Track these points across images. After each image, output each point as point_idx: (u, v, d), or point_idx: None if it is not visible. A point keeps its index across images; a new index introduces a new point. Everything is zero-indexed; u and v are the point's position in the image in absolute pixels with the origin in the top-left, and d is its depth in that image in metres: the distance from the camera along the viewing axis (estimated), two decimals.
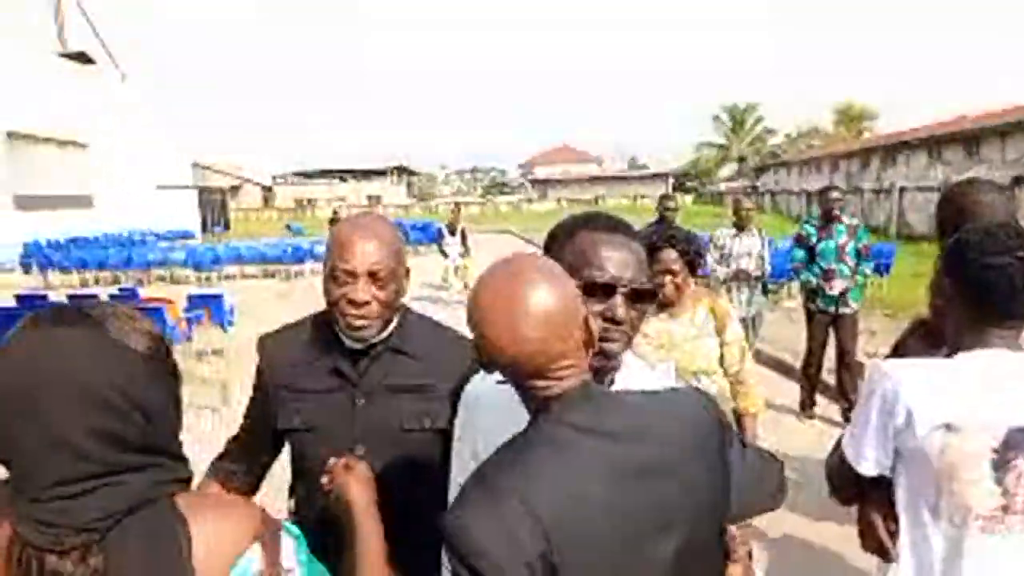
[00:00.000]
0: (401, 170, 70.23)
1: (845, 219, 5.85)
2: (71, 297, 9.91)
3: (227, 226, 37.11)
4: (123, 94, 28.22)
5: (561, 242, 1.35)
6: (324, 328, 1.68)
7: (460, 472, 1.47)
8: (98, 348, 0.94)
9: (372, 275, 1.55)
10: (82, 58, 26.52)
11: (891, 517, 1.61)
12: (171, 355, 1.05)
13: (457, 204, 14.90)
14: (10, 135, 21.53)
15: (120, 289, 12.52)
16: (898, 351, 1.99)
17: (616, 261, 1.30)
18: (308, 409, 1.63)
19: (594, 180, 67.88)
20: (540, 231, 28.18)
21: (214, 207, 37.29)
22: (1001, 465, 1.45)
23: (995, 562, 1.46)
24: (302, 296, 13.11)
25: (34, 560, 0.90)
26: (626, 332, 1.29)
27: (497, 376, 1.35)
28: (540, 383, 1.07)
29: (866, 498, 1.68)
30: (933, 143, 21.42)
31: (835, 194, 5.87)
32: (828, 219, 5.84)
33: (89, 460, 0.90)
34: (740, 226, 6.43)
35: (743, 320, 5.65)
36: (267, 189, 63.92)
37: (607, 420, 1.06)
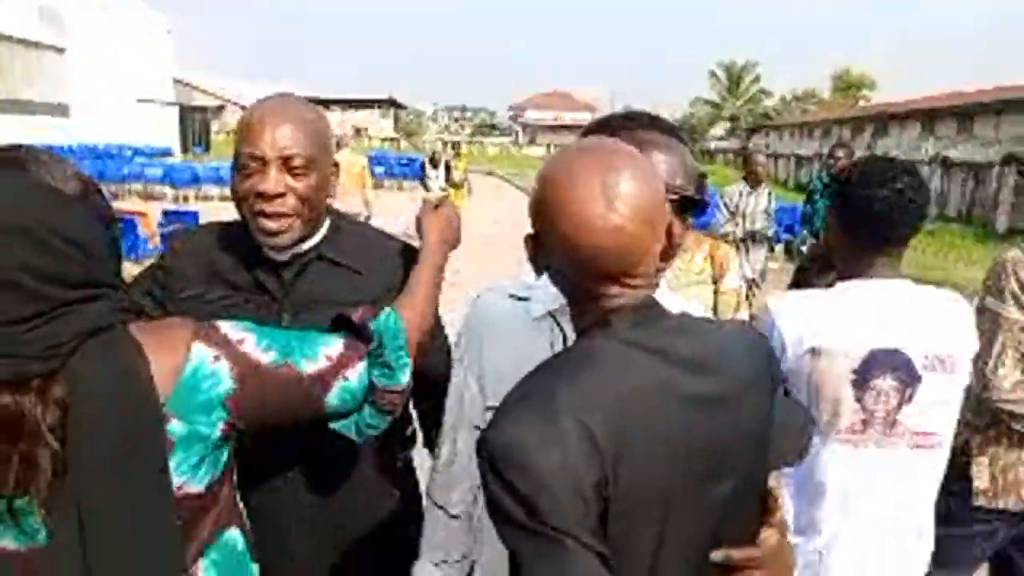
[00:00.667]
0: (389, 103, 68.88)
1: None
2: None
3: (208, 147, 36.23)
4: (109, 1, 27.08)
5: None
6: (244, 235, 1.43)
7: (458, 402, 1.36)
8: (28, 190, 0.95)
9: (286, 162, 1.32)
10: None
11: None
12: (103, 198, 1.06)
13: (456, 144, 15.07)
14: None
15: None
16: (797, 283, 2.20)
17: (664, 166, 1.15)
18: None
19: (583, 128, 67.18)
20: (527, 176, 27.94)
21: (195, 126, 36.33)
22: (860, 384, 1.59)
23: (855, 472, 1.63)
24: None
25: None
26: (672, 247, 1.14)
27: (514, 292, 1.30)
28: (612, 289, 0.93)
29: None
30: (927, 116, 21.32)
31: (840, 152, 5.81)
32: (833, 177, 5.80)
33: (38, 299, 0.92)
34: (754, 183, 5.93)
35: (752, 280, 5.53)
36: None
37: (672, 343, 0.93)
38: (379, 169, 20.73)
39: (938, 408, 1.61)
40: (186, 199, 17.49)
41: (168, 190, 17.86)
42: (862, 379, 1.59)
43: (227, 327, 1.08)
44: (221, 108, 54.38)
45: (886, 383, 1.58)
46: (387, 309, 1.23)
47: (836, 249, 1.74)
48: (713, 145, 46.85)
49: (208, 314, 1.24)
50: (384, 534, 1.56)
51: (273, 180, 1.31)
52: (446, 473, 1.39)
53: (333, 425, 1.21)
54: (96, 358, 0.96)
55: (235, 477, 1.19)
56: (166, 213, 9.56)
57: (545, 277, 1.22)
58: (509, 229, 13.15)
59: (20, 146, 1.07)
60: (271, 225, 1.34)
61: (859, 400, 1.60)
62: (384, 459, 1.57)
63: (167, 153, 27.57)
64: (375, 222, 3.25)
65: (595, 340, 0.94)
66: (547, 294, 1.23)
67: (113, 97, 26.44)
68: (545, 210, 0.93)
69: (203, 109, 39.88)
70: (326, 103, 67.73)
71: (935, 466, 1.65)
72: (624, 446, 0.85)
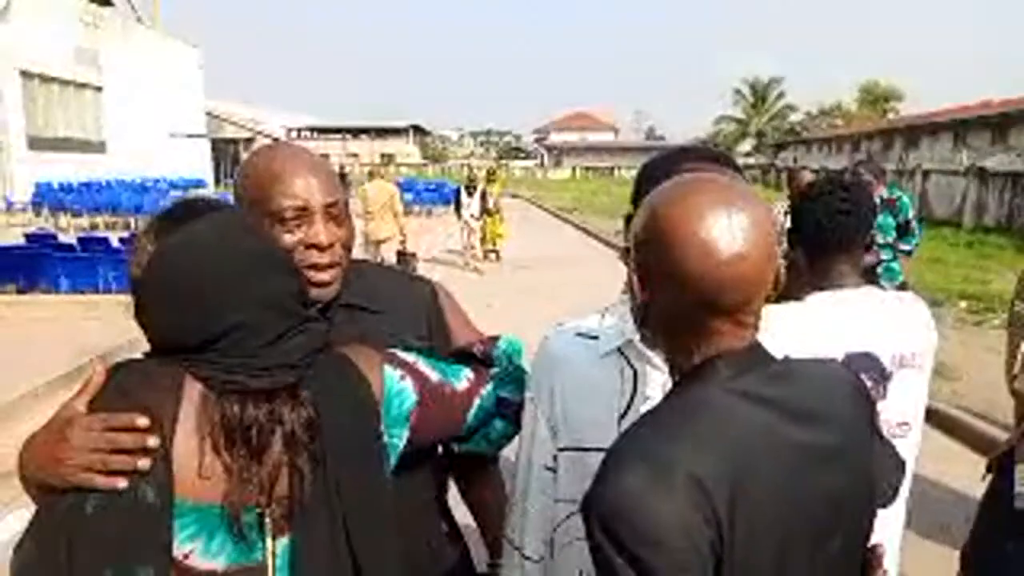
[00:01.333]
0: (416, 130, 69.63)
1: (883, 193, 5.52)
2: (80, 239, 9.82)
3: None
4: (139, 38, 27.88)
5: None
6: None
7: (530, 440, 1.34)
8: (252, 227, 1.07)
9: (328, 210, 1.26)
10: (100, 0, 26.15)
11: None
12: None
13: (491, 171, 14.29)
14: (24, 74, 21.31)
15: (131, 234, 12.46)
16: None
17: None
18: None
19: (610, 149, 67.17)
20: (550, 200, 27.70)
21: (227, 158, 37.08)
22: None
23: None
24: None
25: (236, 408, 0.98)
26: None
27: (583, 331, 1.30)
28: (725, 326, 0.88)
29: None
30: (959, 127, 20.98)
31: (863, 169, 5.67)
32: None
33: (291, 315, 1.03)
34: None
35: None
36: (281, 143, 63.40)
37: (781, 392, 0.89)
38: (408, 196, 20.90)
39: (908, 399, 1.72)
40: None
41: None
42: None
43: (398, 350, 1.21)
44: (251, 140, 55.40)
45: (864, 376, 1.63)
46: (505, 335, 1.39)
47: (797, 268, 1.84)
48: (740, 162, 46.47)
49: None
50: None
51: (324, 230, 1.25)
52: (520, 514, 1.36)
53: (465, 446, 1.36)
54: (332, 373, 1.07)
55: None
56: None
57: (612, 316, 1.28)
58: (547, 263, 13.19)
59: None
60: (324, 277, 1.27)
61: None
62: (422, 499, 1.53)
63: (200, 185, 28.11)
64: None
65: (702, 389, 0.89)
66: (615, 331, 1.24)
67: (148, 132, 27.10)
68: (662, 243, 0.87)
69: (234, 141, 40.68)
70: (355, 132, 68.81)
71: (910, 448, 1.73)
72: (737, 502, 0.80)
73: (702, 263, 0.85)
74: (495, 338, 1.39)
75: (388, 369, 1.15)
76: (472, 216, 12.78)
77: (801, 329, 1.64)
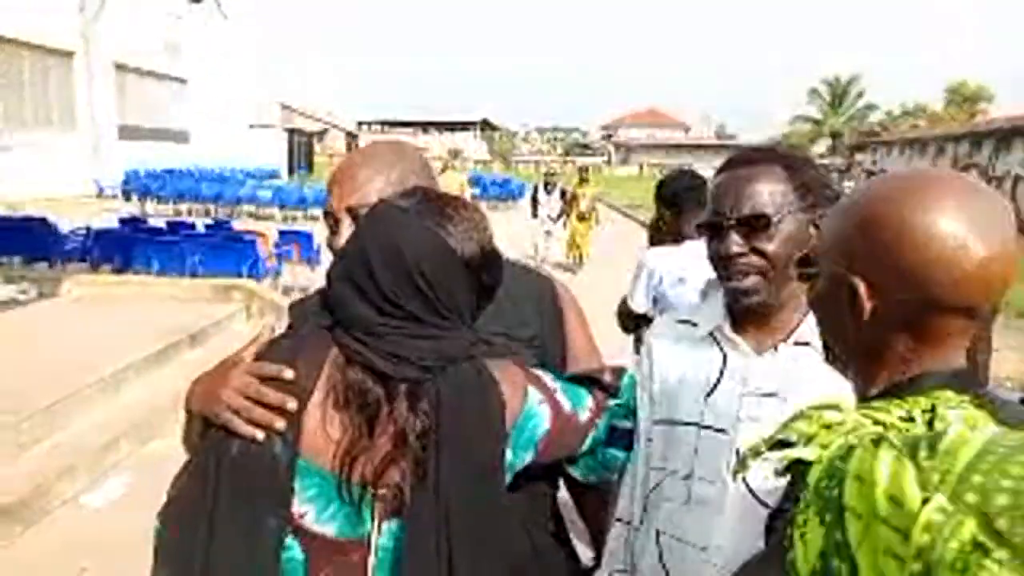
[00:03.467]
0: (483, 124, 69.99)
1: None
2: (169, 224, 10.24)
3: (311, 169, 37.80)
4: (223, 33, 28.82)
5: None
6: None
7: (644, 421, 1.47)
8: (428, 242, 1.08)
9: (352, 212, 1.34)
10: None
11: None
12: (488, 263, 1.15)
13: (584, 169, 12.18)
14: (118, 67, 22.30)
15: (215, 220, 12.91)
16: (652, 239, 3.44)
17: None
18: None
19: (679, 147, 66.18)
20: (617, 197, 27.23)
21: (301, 149, 38.00)
22: (703, 298, 2.25)
23: None
24: None
25: (359, 376, 1.05)
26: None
27: (683, 318, 1.45)
28: (958, 323, 0.79)
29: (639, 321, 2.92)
30: None
31: (970, 173, 5.54)
32: None
33: (408, 318, 1.06)
34: None
35: None
36: (352, 135, 64.83)
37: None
38: (475, 190, 21.06)
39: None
40: (294, 219, 18.25)
41: (277, 211, 18.68)
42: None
43: (542, 373, 1.23)
44: (324, 132, 56.69)
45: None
46: (626, 369, 1.41)
47: (668, 224, 2.91)
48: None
49: None
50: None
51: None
52: (622, 484, 1.51)
53: (576, 471, 1.36)
54: (468, 386, 1.09)
55: None
56: (282, 233, 9.95)
57: (708, 302, 1.43)
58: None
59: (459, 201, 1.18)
60: None
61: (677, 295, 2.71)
62: (532, 497, 1.51)
63: (275, 175, 28.91)
64: None
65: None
66: (712, 315, 1.38)
67: (227, 123, 28.02)
68: (891, 243, 0.79)
69: (307, 133, 41.70)
70: (424, 126, 69.61)
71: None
72: None
73: (942, 261, 0.77)
74: (622, 370, 1.40)
75: (532, 392, 1.17)
76: (549, 217, 11.25)
77: (681, 261, 2.66)
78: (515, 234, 12.07)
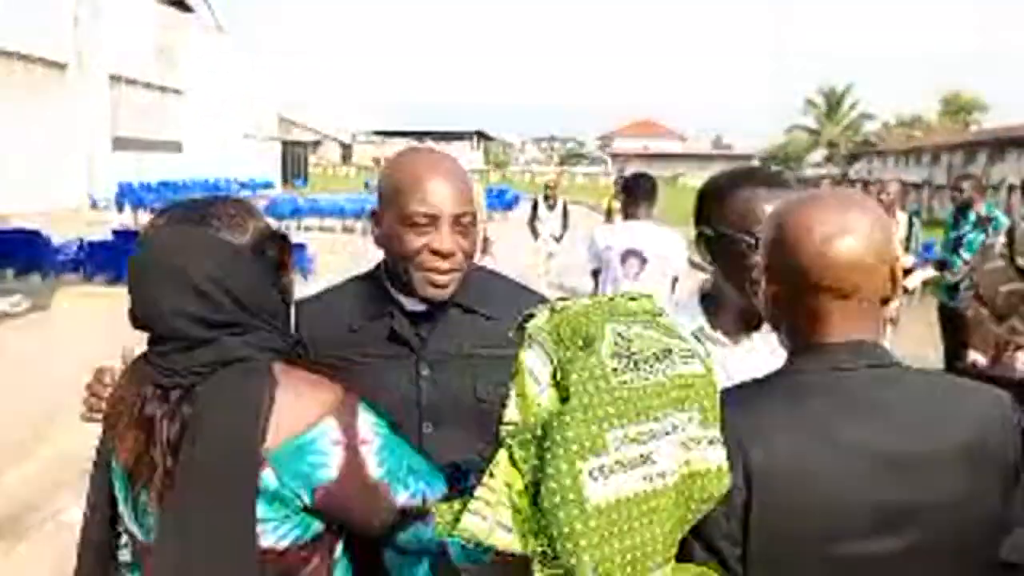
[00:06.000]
0: (478, 135, 70.27)
1: (981, 210, 5.55)
2: None
3: (306, 180, 37.83)
4: (218, 44, 28.87)
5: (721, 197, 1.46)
6: (372, 288, 1.44)
7: None
8: (201, 244, 1.09)
9: (457, 219, 1.33)
10: (181, 6, 27.18)
11: None
12: (278, 247, 1.17)
13: (551, 181, 10.48)
14: (112, 78, 22.29)
15: None
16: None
17: None
18: (363, 384, 1.26)
19: (676, 157, 66.47)
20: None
21: (295, 160, 38.05)
22: (625, 260, 4.10)
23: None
24: (381, 251, 13.12)
25: (146, 396, 1.10)
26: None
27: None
28: (828, 312, 1.00)
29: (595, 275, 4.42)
30: None
31: (965, 184, 5.67)
32: (958, 208, 5.64)
33: (179, 335, 1.08)
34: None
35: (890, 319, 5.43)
36: (346, 146, 65.00)
37: (873, 392, 0.96)
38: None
39: (655, 274, 4.06)
40: (288, 230, 18.19)
41: (272, 222, 18.51)
42: (623, 259, 4.10)
43: (366, 420, 1.12)
44: (318, 143, 56.78)
45: (634, 261, 4.10)
46: None
47: (623, 206, 4.37)
48: (810, 172, 45.41)
49: (344, 374, 1.26)
50: None
51: (448, 238, 1.32)
52: None
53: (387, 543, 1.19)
54: (225, 386, 1.06)
55: (337, 557, 1.19)
56: None
57: (681, 313, 1.49)
58: None
59: (217, 198, 1.18)
60: (441, 279, 1.34)
61: (623, 265, 4.12)
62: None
63: (269, 186, 28.92)
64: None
65: (785, 371, 1.03)
66: (688, 320, 1.44)
67: (221, 134, 28.03)
68: (782, 239, 1.04)
69: (302, 144, 41.74)
70: (419, 136, 69.78)
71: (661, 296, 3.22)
72: (778, 478, 0.91)
73: (809, 249, 0.99)
74: None
75: (328, 425, 1.07)
76: (552, 236, 9.57)
77: (611, 235, 4.30)
78: (512, 248, 10.90)
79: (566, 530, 0.68)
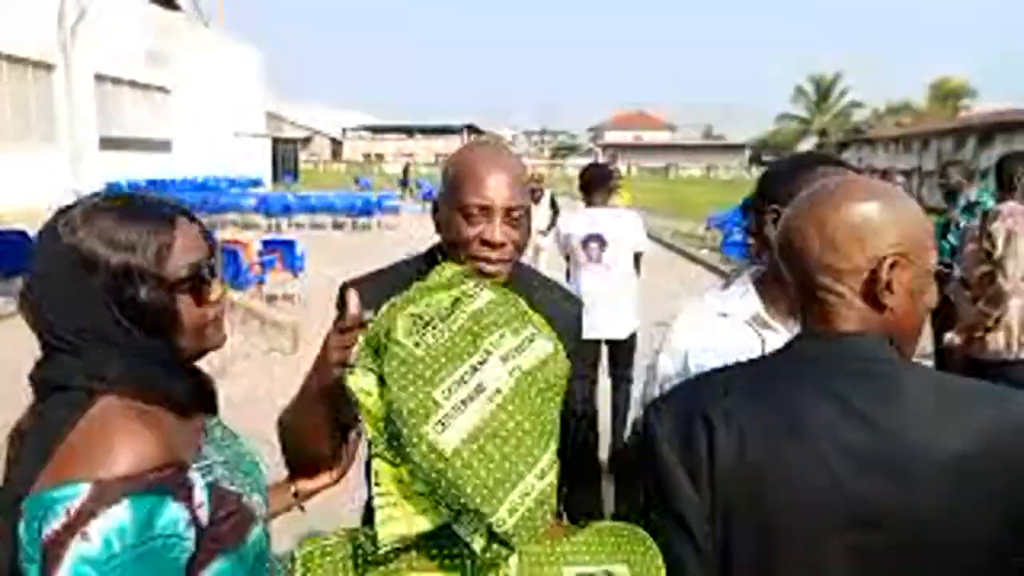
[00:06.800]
0: (470, 129, 70.09)
1: (971, 196, 5.51)
2: None
3: (296, 176, 37.66)
4: (205, 41, 28.66)
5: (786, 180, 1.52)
6: (418, 275, 1.44)
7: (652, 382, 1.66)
8: (48, 242, 1.01)
9: (508, 212, 1.40)
10: (169, 4, 26.96)
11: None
12: (127, 269, 1.00)
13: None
14: (98, 78, 22.11)
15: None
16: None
17: None
18: None
19: (667, 148, 66.41)
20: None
21: (285, 157, 37.87)
22: (586, 244, 4.50)
23: (591, 280, 4.47)
24: (371, 247, 13.16)
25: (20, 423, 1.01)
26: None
27: (715, 308, 1.60)
28: (820, 301, 1.01)
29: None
30: None
31: (953, 170, 5.66)
32: (946, 195, 5.64)
33: (48, 341, 1.01)
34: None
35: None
36: (336, 142, 64.71)
37: (848, 384, 0.95)
38: None
39: (618, 253, 4.50)
40: (279, 227, 18.13)
41: (262, 219, 18.55)
42: (584, 244, 4.50)
43: (120, 517, 0.88)
44: (308, 139, 56.55)
45: (594, 244, 4.46)
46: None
47: (587, 193, 4.69)
48: None
49: None
50: None
51: (500, 230, 1.40)
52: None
53: None
54: (44, 414, 0.97)
55: None
56: (264, 242, 9.85)
57: (737, 293, 1.61)
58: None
59: (119, 194, 1.09)
60: (491, 268, 1.42)
61: (585, 248, 4.49)
62: None
63: (257, 183, 28.75)
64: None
65: (774, 355, 1.06)
66: (746, 306, 1.55)
67: (211, 132, 27.84)
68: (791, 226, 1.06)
69: (292, 140, 41.55)
70: (410, 131, 69.58)
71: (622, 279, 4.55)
72: (742, 459, 0.94)
73: (808, 229, 1.01)
74: None
75: (70, 490, 0.88)
76: (539, 231, 9.31)
77: (579, 222, 4.65)
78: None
79: (445, 484, 0.75)
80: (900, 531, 0.90)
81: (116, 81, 23.20)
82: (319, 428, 1.28)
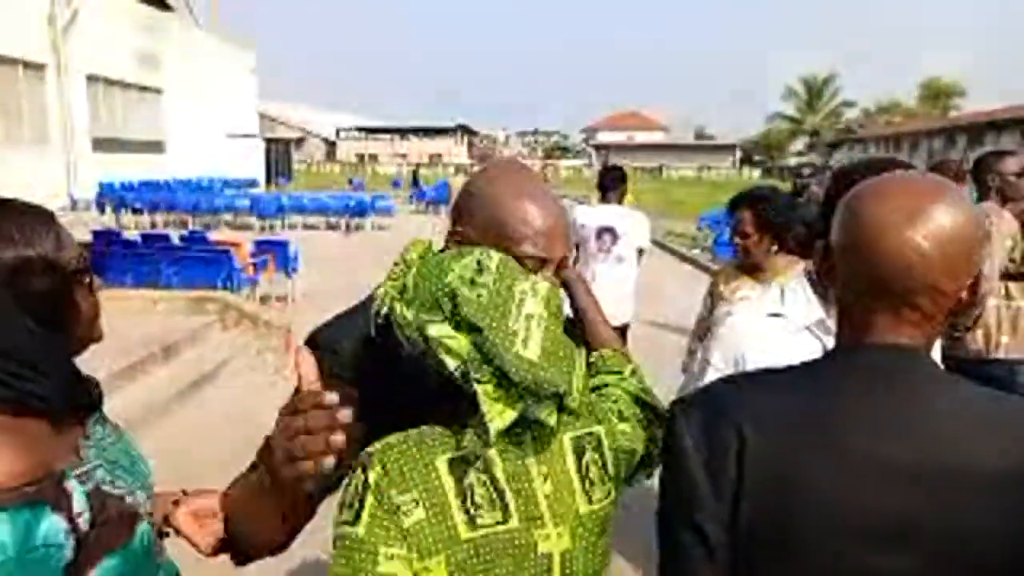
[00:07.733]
0: (462, 130, 69.98)
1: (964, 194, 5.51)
2: (143, 236, 10.12)
3: (290, 177, 37.59)
4: (198, 42, 28.60)
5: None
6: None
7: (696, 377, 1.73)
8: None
9: (559, 263, 1.26)
10: (161, 5, 26.89)
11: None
12: (49, 286, 1.02)
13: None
14: (90, 79, 22.05)
15: (190, 231, 12.77)
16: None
17: None
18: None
19: (659, 148, 66.47)
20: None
21: (279, 158, 37.78)
22: (600, 235, 4.90)
23: (603, 272, 4.87)
24: (365, 247, 13.19)
25: None
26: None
27: (769, 310, 1.61)
28: (876, 314, 0.95)
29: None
30: None
31: (943, 168, 5.64)
32: None
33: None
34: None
35: None
36: (330, 143, 64.58)
37: (881, 398, 0.91)
38: None
39: (627, 247, 4.91)
40: (272, 228, 18.11)
41: (255, 220, 18.53)
42: (598, 235, 4.87)
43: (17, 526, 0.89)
44: (302, 140, 56.41)
45: (607, 236, 4.88)
46: None
47: (604, 191, 5.07)
48: (793, 161, 45.60)
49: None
50: None
51: (544, 279, 1.24)
52: None
53: None
54: None
55: None
56: (257, 243, 9.85)
57: (792, 297, 1.60)
58: None
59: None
60: None
61: (598, 238, 4.88)
62: None
63: (253, 184, 28.70)
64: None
65: (812, 364, 1.01)
66: (808, 311, 1.54)
67: (204, 132, 27.78)
68: (846, 229, 0.99)
69: (286, 141, 41.46)
70: (403, 132, 69.42)
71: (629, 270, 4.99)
72: (770, 468, 0.91)
73: (871, 243, 0.93)
74: None
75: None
76: None
77: (588, 215, 5.03)
78: None
79: (539, 381, 1.00)
80: (935, 550, 0.87)
81: (108, 82, 23.14)
82: (269, 517, 1.13)
